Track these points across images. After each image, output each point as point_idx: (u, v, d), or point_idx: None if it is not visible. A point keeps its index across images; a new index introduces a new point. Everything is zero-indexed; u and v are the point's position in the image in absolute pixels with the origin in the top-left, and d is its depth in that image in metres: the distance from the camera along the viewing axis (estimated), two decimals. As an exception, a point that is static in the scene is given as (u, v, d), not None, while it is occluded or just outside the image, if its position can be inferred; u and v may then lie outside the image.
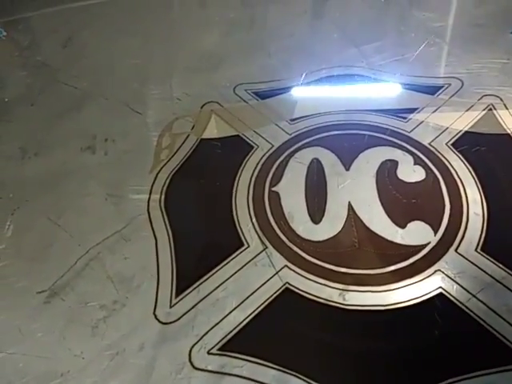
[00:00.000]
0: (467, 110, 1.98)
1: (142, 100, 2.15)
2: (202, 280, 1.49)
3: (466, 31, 2.45)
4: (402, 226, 1.60)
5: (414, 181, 1.74)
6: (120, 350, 1.34)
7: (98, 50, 2.51)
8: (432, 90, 2.10)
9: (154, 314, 1.42)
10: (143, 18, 2.72)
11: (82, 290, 1.48)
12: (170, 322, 1.39)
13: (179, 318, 1.40)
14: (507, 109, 1.96)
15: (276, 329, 1.38)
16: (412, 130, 1.92)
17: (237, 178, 1.79)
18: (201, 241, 1.62)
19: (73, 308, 1.44)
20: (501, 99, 2.01)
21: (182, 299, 1.45)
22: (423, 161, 1.80)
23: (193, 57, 2.42)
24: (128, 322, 1.40)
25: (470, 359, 1.29)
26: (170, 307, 1.43)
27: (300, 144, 1.91)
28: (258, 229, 1.63)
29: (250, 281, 1.48)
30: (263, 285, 1.47)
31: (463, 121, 1.94)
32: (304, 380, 1.26)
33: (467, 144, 1.84)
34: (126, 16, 2.75)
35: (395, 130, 1.93)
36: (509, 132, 1.88)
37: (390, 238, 1.57)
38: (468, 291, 1.42)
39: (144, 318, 1.40)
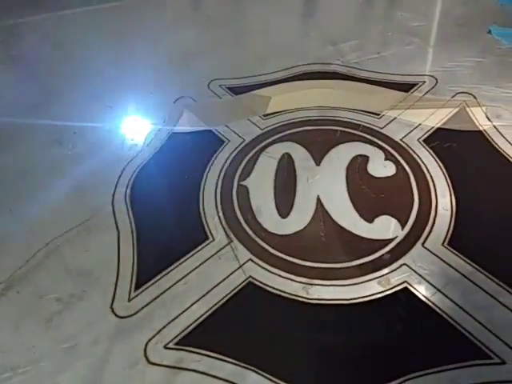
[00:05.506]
0: (440, 107, 1.97)
1: (114, 94, 2.12)
2: (163, 273, 1.45)
3: (443, 30, 2.47)
4: (370, 220, 1.57)
5: (383, 176, 1.72)
6: (74, 343, 1.29)
7: (75, 43, 2.48)
8: (406, 88, 2.09)
9: (111, 307, 1.37)
10: (123, 16, 2.71)
11: (39, 283, 1.44)
12: (127, 316, 1.35)
13: (137, 312, 1.36)
14: (480, 106, 1.96)
15: (236, 323, 1.34)
16: (384, 126, 1.90)
17: (206, 172, 1.76)
18: (165, 234, 1.58)
19: (28, 301, 1.39)
20: (474, 97, 2.01)
21: (141, 293, 1.40)
22: (394, 156, 1.78)
23: (168, 51, 2.40)
24: (84, 316, 1.35)
25: (434, 354, 1.26)
26: (129, 301, 1.38)
27: (272, 139, 1.89)
28: (224, 222, 1.59)
29: (212, 274, 1.44)
30: (226, 278, 1.43)
31: (436, 118, 1.93)
32: (261, 375, 1.22)
33: (439, 140, 1.83)
34: (105, 13, 2.73)
35: (368, 125, 1.91)
36: (481, 129, 1.87)
37: (356, 232, 1.54)
38: (433, 285, 1.39)
39: (101, 312, 1.36)
